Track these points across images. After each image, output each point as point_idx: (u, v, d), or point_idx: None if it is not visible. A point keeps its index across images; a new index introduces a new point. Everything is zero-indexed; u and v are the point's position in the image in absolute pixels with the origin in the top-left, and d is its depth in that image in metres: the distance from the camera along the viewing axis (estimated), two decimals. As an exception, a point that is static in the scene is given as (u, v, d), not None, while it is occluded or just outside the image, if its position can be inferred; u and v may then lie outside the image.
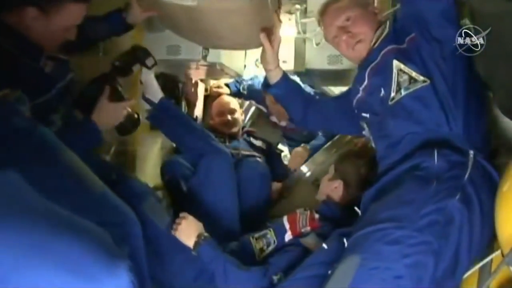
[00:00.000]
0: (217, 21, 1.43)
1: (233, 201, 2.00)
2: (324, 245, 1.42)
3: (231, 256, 1.59)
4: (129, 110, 1.69)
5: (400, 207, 1.10)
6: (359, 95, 1.46)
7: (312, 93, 2.65)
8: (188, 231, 1.58)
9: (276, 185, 2.38)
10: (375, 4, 1.62)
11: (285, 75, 1.65)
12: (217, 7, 1.32)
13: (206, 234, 1.59)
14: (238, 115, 2.77)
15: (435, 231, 1.05)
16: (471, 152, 1.18)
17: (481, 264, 0.99)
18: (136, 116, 1.74)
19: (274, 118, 2.88)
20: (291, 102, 1.70)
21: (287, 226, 1.72)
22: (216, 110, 2.78)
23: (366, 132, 1.52)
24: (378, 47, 1.40)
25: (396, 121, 1.30)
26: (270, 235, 1.71)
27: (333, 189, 1.76)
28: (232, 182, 2.04)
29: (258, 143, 2.77)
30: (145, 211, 1.62)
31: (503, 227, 0.95)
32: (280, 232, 1.71)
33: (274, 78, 1.63)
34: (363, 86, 1.43)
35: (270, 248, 1.69)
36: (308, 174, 2.51)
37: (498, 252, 0.99)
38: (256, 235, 1.73)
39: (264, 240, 1.71)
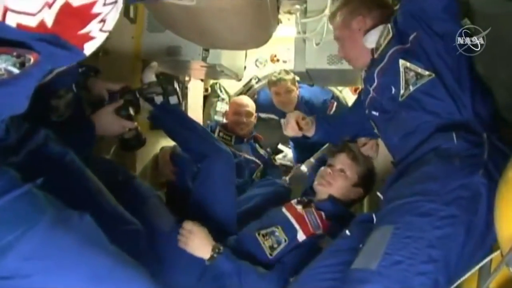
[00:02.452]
0: (215, 21, 1.43)
1: (233, 202, 2.00)
2: (347, 232, 1.43)
3: (242, 256, 1.61)
4: (139, 130, 1.72)
5: (427, 182, 1.15)
6: (370, 95, 1.52)
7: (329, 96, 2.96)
8: (202, 245, 1.58)
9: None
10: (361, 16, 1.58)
11: (318, 126, 1.82)
12: (215, 6, 1.32)
13: (220, 246, 1.58)
14: (253, 119, 2.82)
15: (463, 206, 1.08)
16: (485, 134, 1.22)
17: (481, 264, 0.99)
18: (143, 137, 1.78)
19: None
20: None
21: (296, 225, 1.72)
22: (234, 109, 2.81)
23: (376, 130, 1.57)
24: (384, 49, 1.45)
25: (409, 113, 1.35)
26: (279, 232, 1.71)
27: (355, 192, 1.84)
28: (233, 183, 2.04)
29: (261, 151, 2.80)
30: (149, 211, 1.62)
31: (503, 227, 0.94)
32: (290, 230, 1.71)
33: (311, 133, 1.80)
34: (373, 86, 1.49)
35: (282, 246, 1.69)
36: (303, 168, 2.52)
37: (497, 252, 0.99)
38: (263, 231, 1.72)
39: (273, 238, 1.70)
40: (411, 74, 1.34)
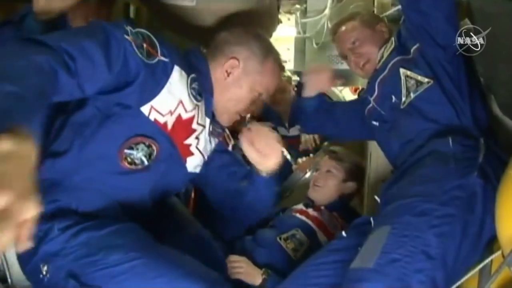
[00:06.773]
0: (215, 22, 1.42)
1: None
2: (343, 233, 1.46)
3: (265, 260, 1.66)
4: None
5: (423, 184, 1.16)
6: (370, 105, 1.53)
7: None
8: (252, 272, 1.62)
9: None
10: (383, 22, 1.66)
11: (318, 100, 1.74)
12: (215, 8, 1.32)
13: (269, 270, 1.62)
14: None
15: (459, 205, 1.09)
16: (482, 139, 1.24)
17: (481, 265, 0.99)
18: None
19: (282, 130, 2.94)
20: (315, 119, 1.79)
21: (314, 227, 1.78)
22: None
23: (376, 140, 1.59)
24: (386, 60, 1.47)
25: (409, 120, 1.37)
26: (299, 235, 1.75)
27: (347, 187, 1.92)
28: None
29: None
30: (177, 217, 1.63)
31: (504, 227, 0.94)
32: (309, 232, 1.77)
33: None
34: (373, 96, 1.50)
35: (304, 247, 1.72)
36: (308, 175, 2.53)
37: (498, 253, 0.99)
38: (284, 235, 1.75)
39: (295, 241, 1.73)
40: (411, 82, 1.37)
